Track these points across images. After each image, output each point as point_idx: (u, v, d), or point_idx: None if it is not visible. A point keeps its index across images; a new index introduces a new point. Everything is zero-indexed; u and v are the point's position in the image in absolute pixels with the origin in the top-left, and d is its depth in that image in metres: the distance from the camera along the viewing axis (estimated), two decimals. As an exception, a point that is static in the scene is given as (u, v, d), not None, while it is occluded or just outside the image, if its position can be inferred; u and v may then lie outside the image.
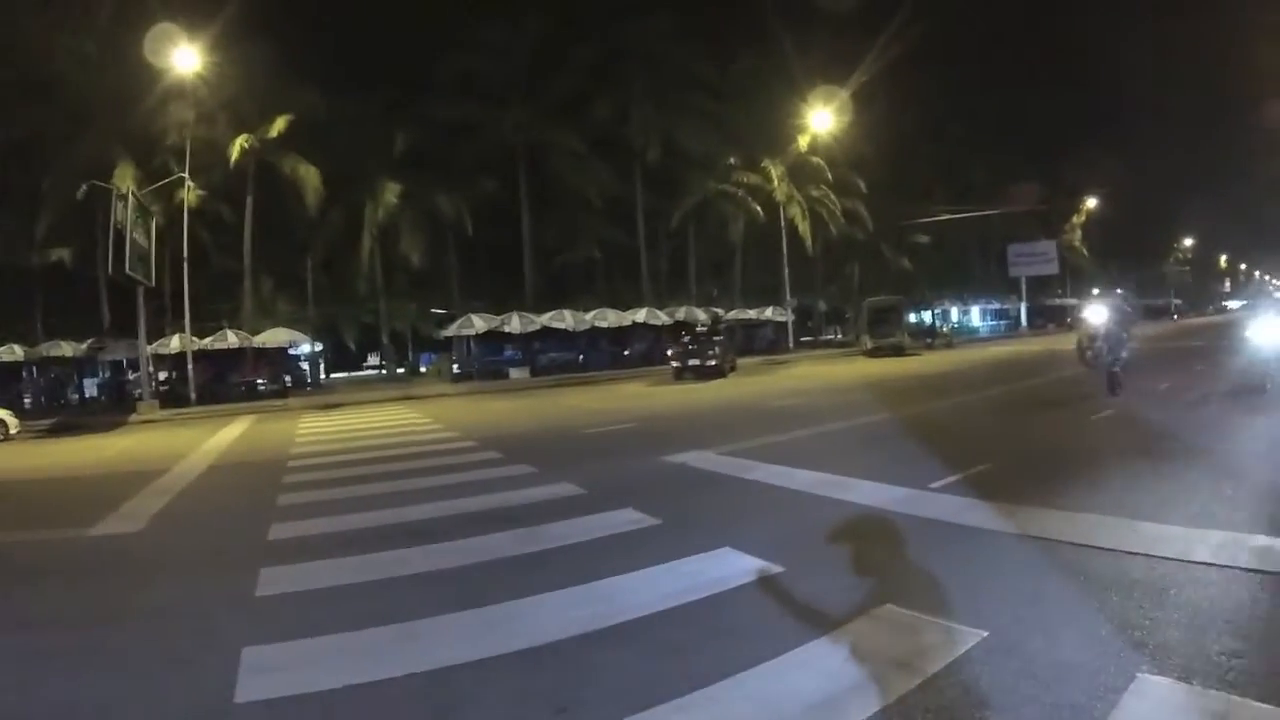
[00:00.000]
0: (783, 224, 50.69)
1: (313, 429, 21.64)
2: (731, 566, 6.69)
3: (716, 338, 35.74)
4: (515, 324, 41.99)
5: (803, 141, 50.86)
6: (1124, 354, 17.08)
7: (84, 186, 29.54)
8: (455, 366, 45.08)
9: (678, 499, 9.59)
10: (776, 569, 6.53)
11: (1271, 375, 15.69)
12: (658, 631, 5.35)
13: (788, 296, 52.95)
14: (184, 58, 31.47)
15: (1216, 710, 3.92)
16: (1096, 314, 18.47)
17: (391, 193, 43.19)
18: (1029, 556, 6.54)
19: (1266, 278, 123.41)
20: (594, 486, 10.61)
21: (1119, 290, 15.95)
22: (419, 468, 13.53)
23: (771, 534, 7.70)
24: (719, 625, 5.47)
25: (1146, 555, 6.25)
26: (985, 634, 4.95)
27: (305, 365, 46.87)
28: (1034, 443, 12.85)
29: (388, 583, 6.86)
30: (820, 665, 4.72)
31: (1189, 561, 6.05)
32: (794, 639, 5.09)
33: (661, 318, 46.57)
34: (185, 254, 33.87)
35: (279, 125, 38.52)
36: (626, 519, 8.61)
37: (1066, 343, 28.98)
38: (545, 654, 5.05)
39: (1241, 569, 5.82)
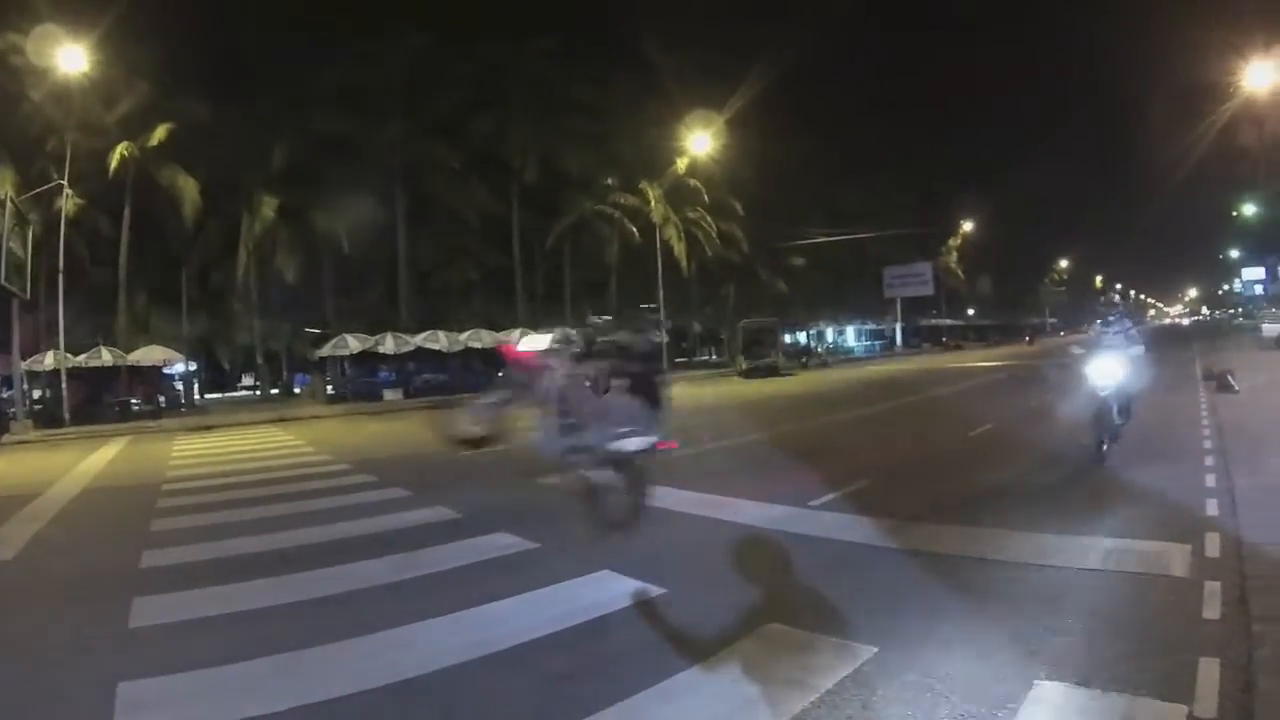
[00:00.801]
0: (658, 245, 51.39)
1: (187, 452, 21.17)
2: (612, 589, 6.56)
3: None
4: (390, 344, 41.45)
5: (681, 164, 51.82)
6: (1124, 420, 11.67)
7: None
8: (330, 388, 44.30)
9: (554, 521, 9.23)
10: (659, 590, 6.43)
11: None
12: (543, 657, 5.25)
13: (662, 318, 53.68)
14: (67, 59, 30.14)
15: (1119, 710, 3.98)
16: (1107, 371, 11.37)
17: (269, 207, 41.96)
18: (913, 570, 6.64)
19: (1142, 297, 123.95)
20: (469, 510, 10.48)
21: (1116, 308, 10.43)
22: (293, 492, 13.06)
23: (652, 555, 7.47)
24: (604, 649, 5.40)
25: (1029, 564, 6.47)
26: (876, 649, 4.94)
27: (180, 385, 45.45)
28: (909, 459, 13.29)
29: (265, 612, 6.63)
30: (710, 687, 4.63)
31: (1077, 569, 6.31)
32: (682, 661, 4.99)
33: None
34: (61, 265, 32.70)
35: (160, 134, 37.35)
36: (504, 543, 8.50)
37: (941, 362, 29.75)
38: (432, 682, 4.94)
39: (1128, 573, 6.11)
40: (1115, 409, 11.25)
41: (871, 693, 4.40)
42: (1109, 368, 11.32)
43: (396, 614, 6.24)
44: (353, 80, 45.58)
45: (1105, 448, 11.06)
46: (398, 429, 25.66)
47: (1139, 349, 11.93)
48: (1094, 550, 6.71)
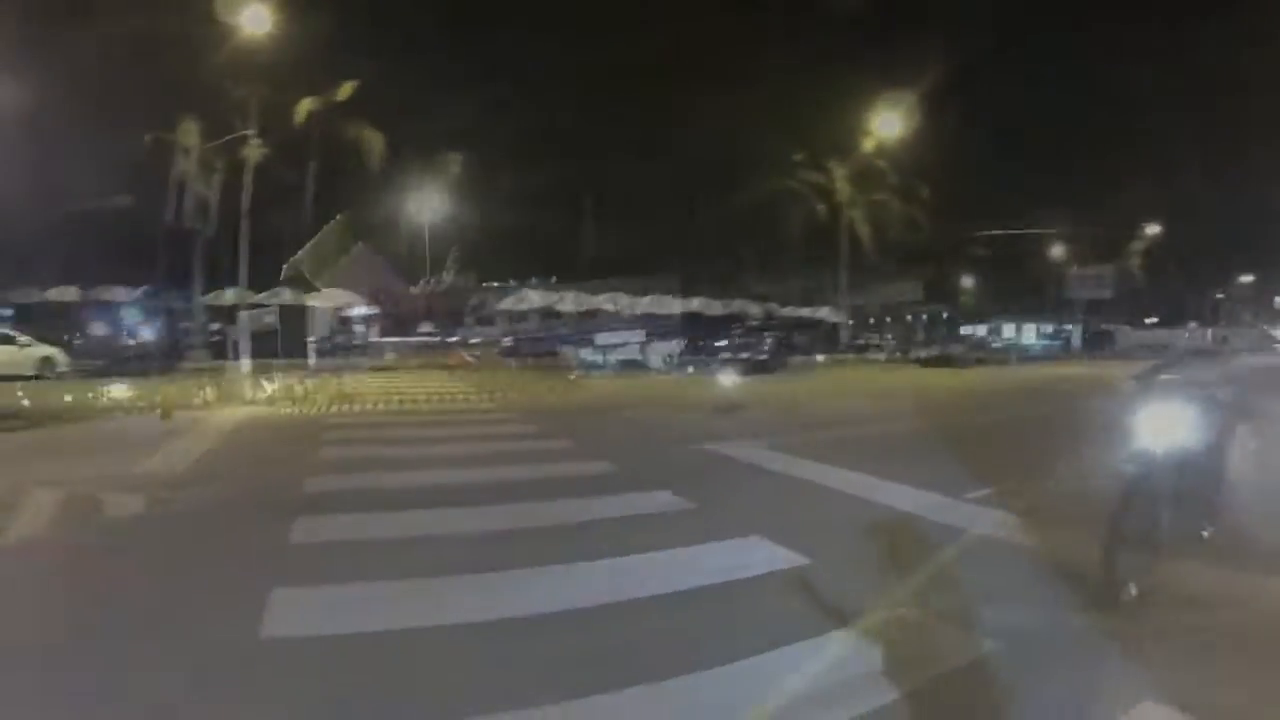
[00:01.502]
0: (843, 224, 50.37)
1: (361, 389, 22.13)
2: (759, 555, 6.80)
3: (768, 334, 35.49)
4: (569, 303, 41.94)
5: (869, 144, 50.53)
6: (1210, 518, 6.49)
7: (149, 137, 30.32)
8: (507, 341, 45.15)
9: (715, 486, 9.66)
10: (803, 560, 6.63)
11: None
12: (677, 610, 5.45)
13: (844, 298, 52.75)
14: (253, 17, 32.10)
15: None
16: (1164, 419, 5.66)
17: (454, 163, 43.63)
18: (1046, 572, 6.41)
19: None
20: (630, 467, 10.80)
21: (1245, 316, 6.79)
22: (458, 435, 14.04)
23: (804, 527, 7.76)
24: (738, 609, 5.57)
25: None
26: (1000, 645, 4.94)
27: (359, 328, 47.56)
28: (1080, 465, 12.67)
29: (424, 539, 7.13)
30: (831, 656, 4.80)
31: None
32: (809, 629, 5.18)
33: (716, 309, 46.46)
34: (245, 209, 34.54)
35: (346, 90, 39.20)
36: (661, 501, 8.74)
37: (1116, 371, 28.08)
38: (581, 617, 5.22)
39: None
40: (1175, 498, 5.69)
41: (992, 679, 4.44)
42: (1171, 418, 5.62)
43: (552, 553, 6.60)
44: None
45: (1130, 590, 5.31)
46: (570, 386, 25.97)
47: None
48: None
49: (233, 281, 36.06)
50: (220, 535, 7.58)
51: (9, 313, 39.81)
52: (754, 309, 48.03)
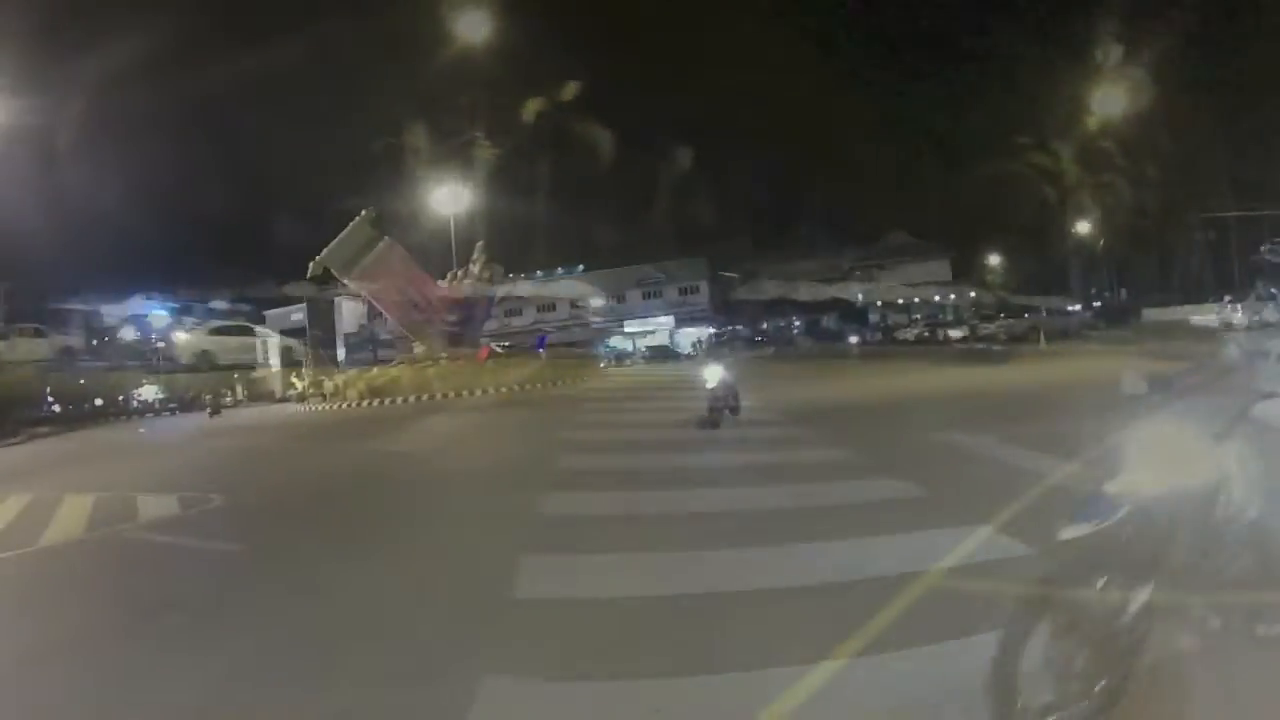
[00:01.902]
0: (1068, 209, 48.31)
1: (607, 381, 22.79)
2: (981, 545, 6.30)
3: (1014, 320, 34.96)
4: (804, 292, 41.44)
5: (1092, 124, 48.05)
6: None
7: (382, 142, 31.19)
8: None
9: (946, 475, 8.86)
10: (1025, 552, 6.19)
11: None
12: (905, 590, 5.17)
13: (1078, 283, 51.01)
14: (474, 24, 33.41)
15: None
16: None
17: (685, 158, 43.99)
18: None
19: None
20: (870, 455, 10.21)
21: None
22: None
23: (1040, 521, 7.33)
24: (948, 595, 5.14)
25: None
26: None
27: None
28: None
29: (659, 518, 7.33)
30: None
31: None
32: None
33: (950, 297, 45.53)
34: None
35: (569, 90, 39.78)
36: (893, 488, 8.23)
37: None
38: (799, 594, 5.13)
39: None
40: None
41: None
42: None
43: (781, 534, 6.50)
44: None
45: None
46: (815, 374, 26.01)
47: None
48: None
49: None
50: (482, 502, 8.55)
51: (247, 307, 41.36)
52: (986, 297, 46.74)
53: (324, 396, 33.29)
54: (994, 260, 63.93)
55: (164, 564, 7.10)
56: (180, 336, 39.37)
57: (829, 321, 62.32)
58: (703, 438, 12.35)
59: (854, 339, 49.85)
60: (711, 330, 56.03)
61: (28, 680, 4.38)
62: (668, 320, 56.53)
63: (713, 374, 12.65)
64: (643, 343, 53.79)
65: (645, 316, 57.09)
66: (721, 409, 12.65)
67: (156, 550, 7.55)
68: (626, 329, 56.07)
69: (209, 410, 32.74)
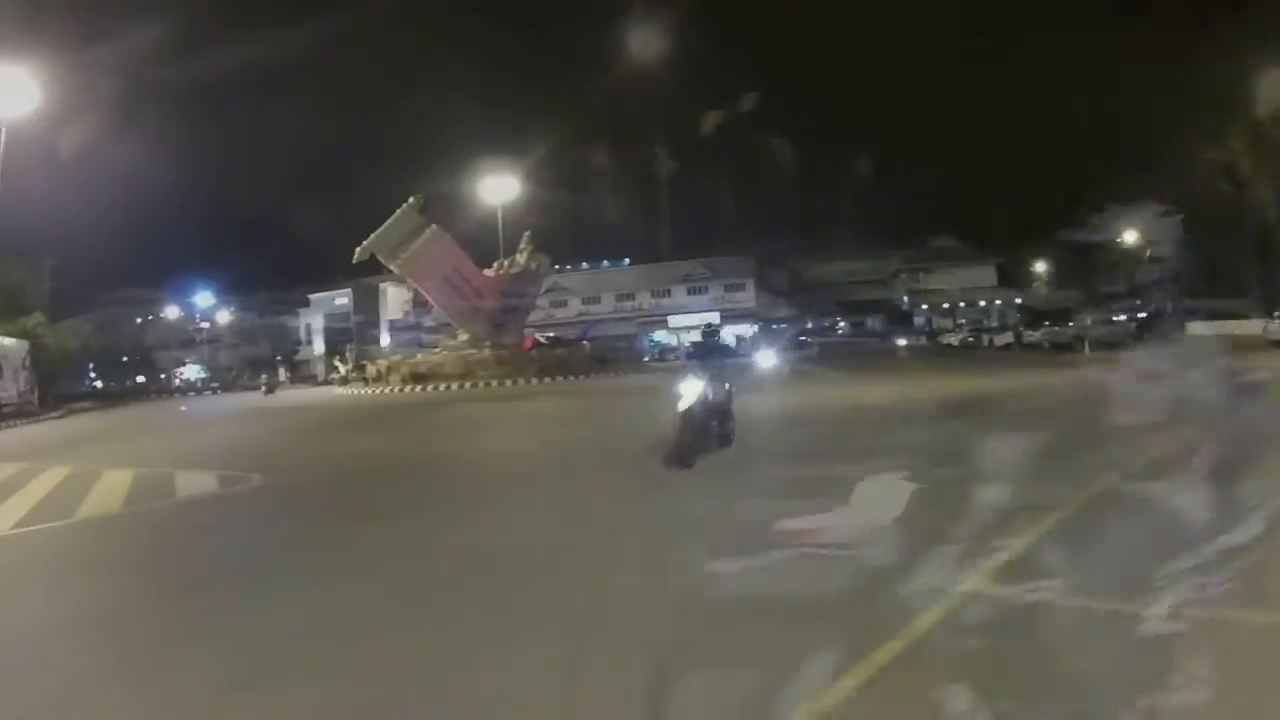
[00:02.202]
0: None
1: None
2: None
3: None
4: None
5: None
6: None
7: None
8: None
9: None
10: None
11: None
12: None
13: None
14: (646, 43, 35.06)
15: None
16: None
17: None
18: None
19: None
20: None
21: None
22: None
23: None
24: None
25: None
26: None
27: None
28: None
29: None
30: None
31: None
32: None
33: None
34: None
35: (748, 102, 39.98)
36: None
37: None
38: None
39: None
40: None
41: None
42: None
43: None
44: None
45: None
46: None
47: None
48: None
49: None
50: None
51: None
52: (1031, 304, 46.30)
53: (366, 381, 33.15)
54: (1040, 268, 63.00)
55: (200, 542, 6.66)
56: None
57: (873, 323, 61.52)
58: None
59: (903, 341, 49.23)
60: (755, 328, 55.45)
61: (55, 651, 4.00)
62: (713, 317, 55.93)
63: (689, 389, 8.65)
64: (686, 338, 53.35)
65: (690, 312, 56.55)
66: (698, 441, 8.81)
67: (192, 528, 7.14)
68: (671, 324, 55.52)
69: (264, 389, 33.00)
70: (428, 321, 46.61)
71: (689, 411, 8.75)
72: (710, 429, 9.03)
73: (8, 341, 26.63)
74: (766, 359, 13.65)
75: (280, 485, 8.86)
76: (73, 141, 32.53)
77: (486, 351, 30.54)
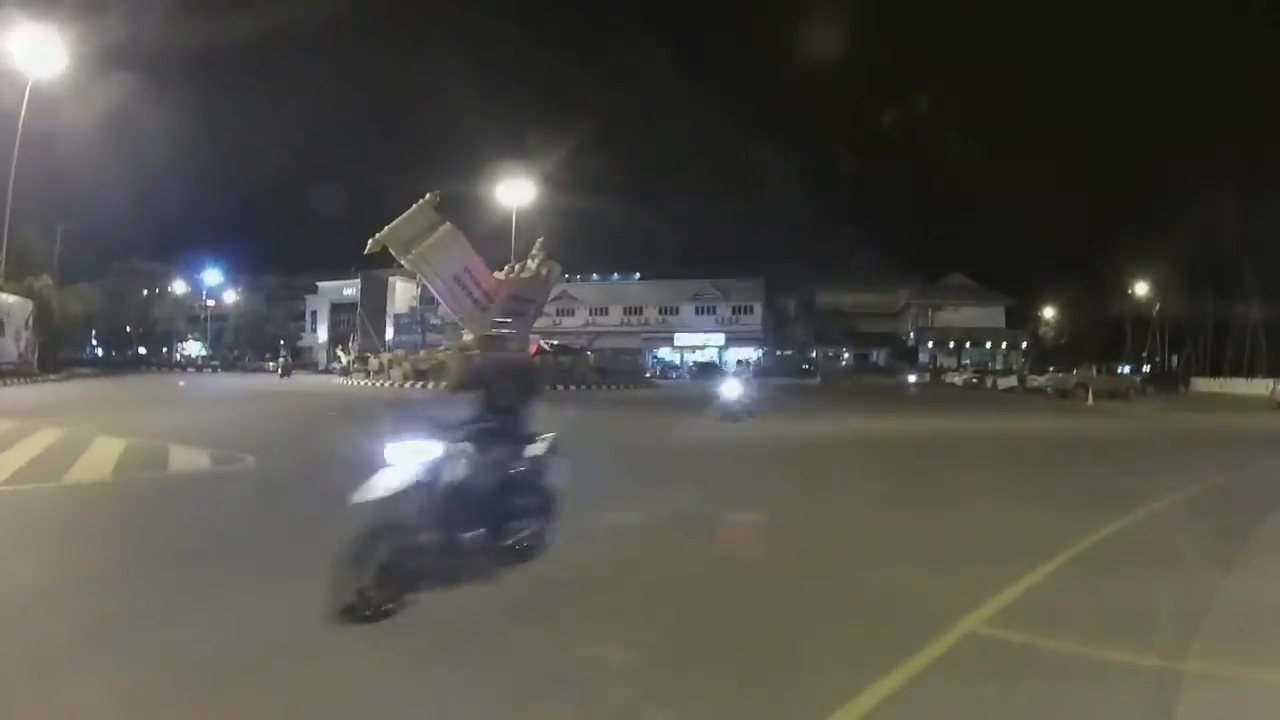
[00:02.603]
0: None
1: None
2: None
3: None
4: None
5: None
6: None
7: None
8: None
9: None
10: None
11: None
12: None
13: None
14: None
15: None
16: None
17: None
18: None
19: None
20: None
21: None
22: None
23: None
24: None
25: None
26: None
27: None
28: None
29: None
30: None
31: None
32: None
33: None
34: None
35: (929, 100, 39.89)
36: None
37: None
38: None
39: None
40: None
41: None
42: None
43: None
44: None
45: None
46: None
47: None
48: None
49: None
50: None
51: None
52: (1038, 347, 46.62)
53: (368, 373, 33.02)
54: (1049, 313, 62.99)
55: (186, 517, 6.50)
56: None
57: (878, 356, 61.36)
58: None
59: (912, 378, 49.00)
60: (760, 353, 55.30)
61: (31, 616, 3.89)
62: (718, 338, 55.84)
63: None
64: (690, 358, 53.16)
65: (696, 331, 56.48)
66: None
67: (180, 502, 7.01)
68: (676, 342, 55.46)
69: (280, 372, 33.25)
70: (432, 319, 46.47)
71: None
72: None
73: (11, 299, 26.51)
74: (731, 390, 13.28)
75: (274, 468, 8.71)
76: (94, 108, 32.58)
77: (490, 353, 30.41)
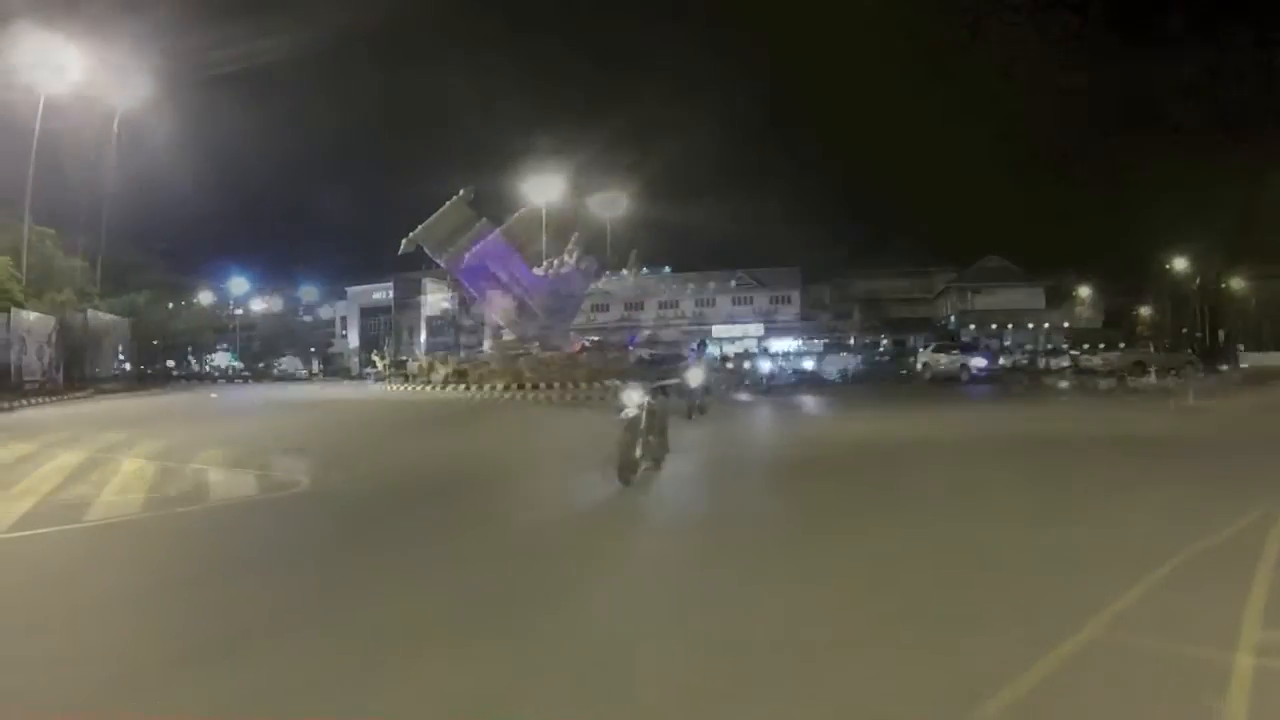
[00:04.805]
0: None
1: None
2: None
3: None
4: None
5: None
6: None
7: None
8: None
9: None
10: None
11: None
12: None
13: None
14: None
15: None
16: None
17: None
18: None
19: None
20: None
21: None
22: None
23: None
24: None
25: None
26: None
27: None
28: None
29: None
30: None
31: None
32: None
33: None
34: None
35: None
36: None
37: None
38: None
39: None
40: None
41: None
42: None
43: None
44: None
45: None
46: None
47: None
48: None
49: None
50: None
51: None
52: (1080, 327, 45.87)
53: (406, 377, 31.87)
54: (1085, 292, 61.18)
55: (229, 562, 5.13)
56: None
57: (915, 341, 59.79)
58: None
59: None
60: (799, 342, 54.11)
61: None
62: (757, 329, 54.63)
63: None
64: (729, 349, 52.13)
65: (735, 322, 55.39)
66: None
67: (222, 541, 5.68)
68: (714, 334, 54.27)
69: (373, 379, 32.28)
70: (466, 321, 45.60)
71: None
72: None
73: (32, 316, 25.54)
74: (695, 377, 12.23)
75: (331, 492, 7.42)
76: (115, 120, 31.64)
77: (536, 351, 29.19)
